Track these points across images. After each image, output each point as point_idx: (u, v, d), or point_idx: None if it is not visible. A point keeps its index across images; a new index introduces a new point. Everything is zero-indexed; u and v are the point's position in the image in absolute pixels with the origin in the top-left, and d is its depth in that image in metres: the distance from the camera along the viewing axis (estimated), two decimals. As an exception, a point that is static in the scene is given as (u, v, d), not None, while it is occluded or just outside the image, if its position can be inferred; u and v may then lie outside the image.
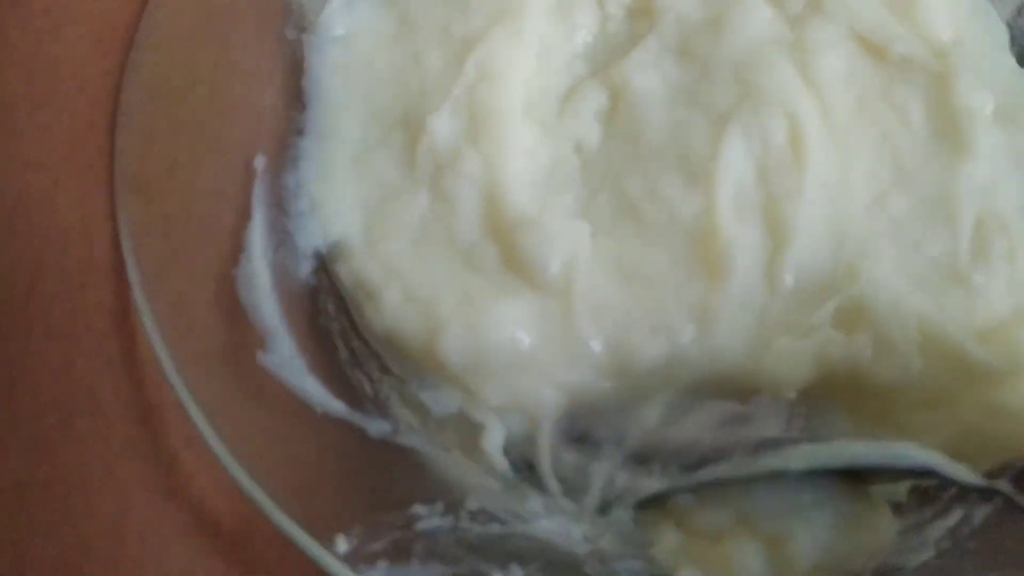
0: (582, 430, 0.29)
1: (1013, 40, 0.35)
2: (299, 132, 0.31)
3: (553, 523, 0.26)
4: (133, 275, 0.25)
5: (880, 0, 0.34)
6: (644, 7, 0.34)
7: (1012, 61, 0.35)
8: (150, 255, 0.25)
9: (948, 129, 0.31)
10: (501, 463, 0.27)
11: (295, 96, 0.31)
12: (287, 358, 0.26)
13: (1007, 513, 0.26)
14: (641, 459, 0.29)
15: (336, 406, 0.26)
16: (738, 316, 0.29)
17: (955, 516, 0.27)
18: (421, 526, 0.24)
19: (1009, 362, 0.27)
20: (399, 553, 0.23)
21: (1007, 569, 0.25)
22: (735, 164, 0.30)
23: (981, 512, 0.27)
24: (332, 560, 0.22)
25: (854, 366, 0.28)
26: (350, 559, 0.22)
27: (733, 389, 0.29)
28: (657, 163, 0.31)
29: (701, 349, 0.28)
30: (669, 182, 0.30)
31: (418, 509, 0.25)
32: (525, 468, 0.28)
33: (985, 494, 0.27)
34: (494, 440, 0.28)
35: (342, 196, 0.30)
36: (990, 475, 0.27)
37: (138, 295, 0.24)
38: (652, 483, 0.28)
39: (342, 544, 0.22)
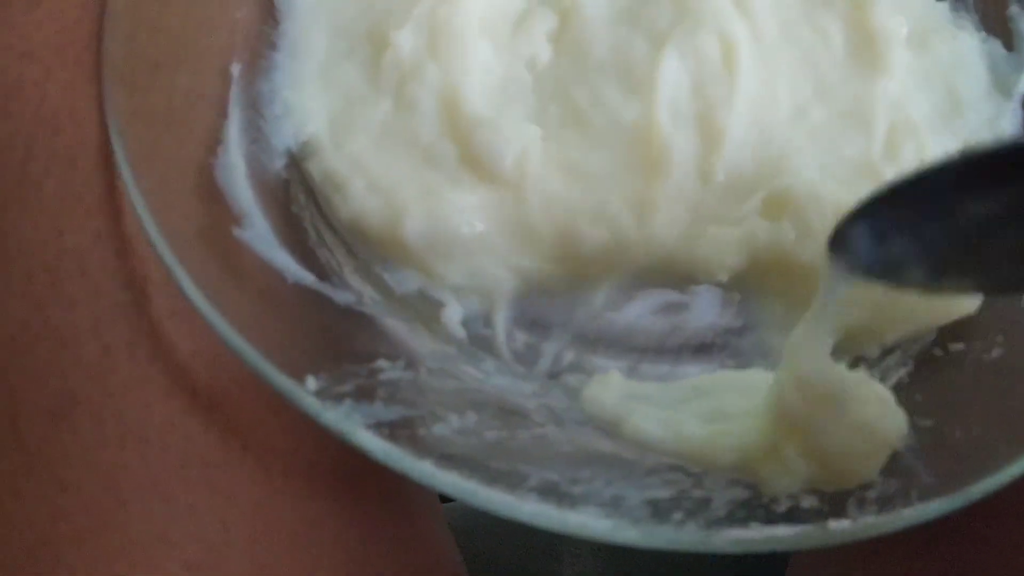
0: (534, 314, 0.32)
1: (929, -24, 0.39)
2: (272, 46, 0.33)
3: (505, 381, 0.29)
4: (120, 155, 0.27)
5: (806, -71, 0.37)
6: (592, -66, 0.37)
7: (927, -6, 0.38)
8: (135, 141, 0.27)
9: (865, 49, 0.34)
10: (459, 334, 0.30)
11: (268, 13, 0.34)
12: (261, 234, 0.29)
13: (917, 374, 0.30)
14: (587, 341, 0.32)
15: (305, 276, 0.28)
16: (674, 208, 0.31)
17: None
18: (384, 376, 0.27)
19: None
20: (362, 395, 0.25)
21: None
22: (672, 77, 0.33)
23: (894, 376, 0.30)
24: (303, 394, 0.24)
25: (779, 250, 0.31)
26: (319, 395, 0.25)
27: (671, 277, 0.32)
28: (602, 76, 0.34)
29: (640, 237, 0.31)
30: (612, 93, 0.33)
31: (381, 363, 0.27)
32: (480, 343, 0.30)
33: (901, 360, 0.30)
34: (453, 315, 0.30)
35: (312, 102, 0.32)
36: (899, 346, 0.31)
37: (125, 173, 0.27)
38: (596, 360, 0.31)
39: (311, 383, 0.25)
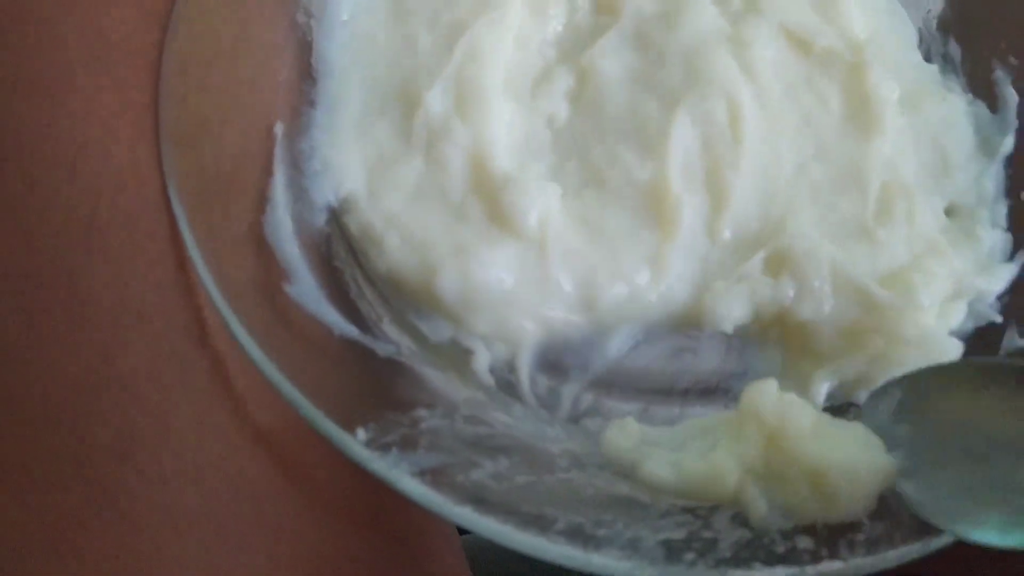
0: (554, 359, 0.34)
1: (921, 39, 0.42)
2: (311, 103, 0.36)
3: (531, 426, 0.32)
4: (179, 212, 0.29)
5: (807, 3, 0.40)
6: (607, 3, 0.39)
7: (918, 57, 0.41)
8: (191, 198, 0.30)
9: (861, 112, 0.37)
10: (488, 381, 0.33)
11: (306, 72, 0.36)
12: (308, 289, 0.31)
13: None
14: (604, 385, 0.34)
15: (350, 330, 0.31)
16: (684, 263, 0.34)
17: None
18: (424, 425, 0.29)
19: (906, 300, 0.33)
20: (406, 444, 0.28)
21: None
22: (683, 138, 0.36)
23: None
24: (355, 445, 0.27)
25: (780, 305, 0.34)
26: (368, 445, 0.27)
27: (681, 325, 0.35)
28: (617, 136, 0.36)
29: (654, 290, 0.34)
30: (627, 152, 0.36)
31: (420, 412, 0.30)
32: (507, 387, 0.33)
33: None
34: (482, 363, 0.33)
35: (348, 159, 0.35)
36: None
37: (184, 229, 0.29)
38: (612, 403, 0.34)
39: (361, 434, 0.27)
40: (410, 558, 0.32)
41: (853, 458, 0.29)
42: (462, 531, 0.32)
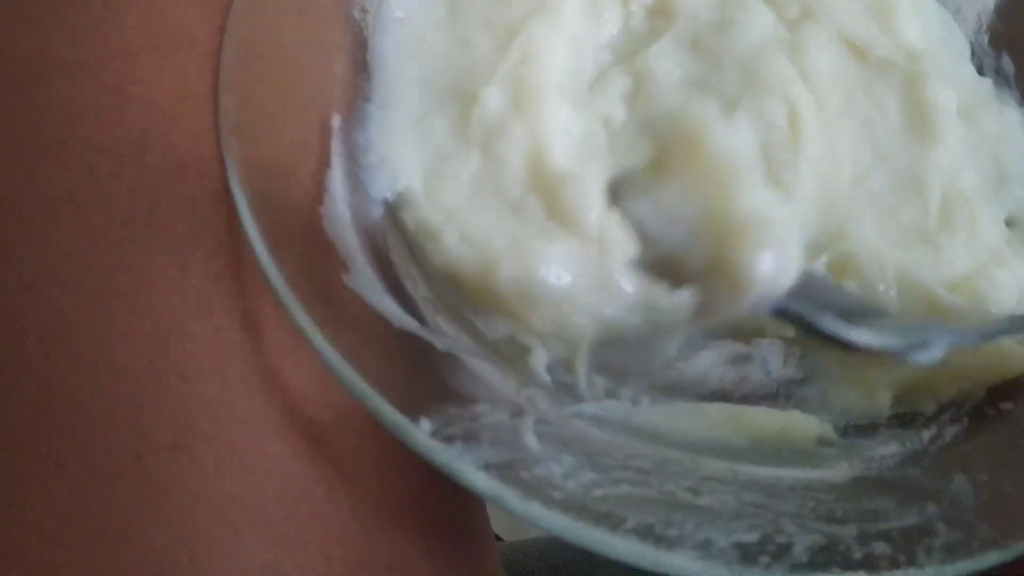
0: (612, 361, 0.33)
1: (973, 53, 0.41)
2: (366, 98, 0.35)
3: (591, 424, 0.31)
4: (239, 202, 0.29)
5: (863, 11, 0.40)
6: (662, 7, 0.39)
7: (972, 70, 0.41)
8: (251, 188, 0.29)
9: (919, 121, 0.37)
10: (545, 379, 0.32)
11: (361, 67, 0.36)
12: (367, 281, 0.30)
13: (971, 430, 0.32)
14: (662, 388, 0.33)
15: (409, 322, 0.30)
16: (745, 266, 0.34)
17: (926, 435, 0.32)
18: (485, 420, 0.28)
19: (970, 306, 0.32)
20: (469, 437, 0.27)
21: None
22: (742, 142, 0.35)
23: (950, 431, 0.32)
24: (419, 435, 0.26)
25: (842, 309, 0.33)
26: (432, 436, 0.26)
27: (740, 330, 0.34)
28: (674, 138, 0.36)
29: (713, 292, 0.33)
30: (685, 154, 0.35)
31: (482, 407, 0.29)
32: (564, 387, 0.32)
33: (955, 417, 0.32)
34: (539, 361, 0.32)
35: (405, 154, 0.34)
36: (954, 403, 0.33)
37: (245, 219, 0.28)
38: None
39: (425, 424, 0.26)
40: (459, 561, 0.31)
41: None
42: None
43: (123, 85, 0.30)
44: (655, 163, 0.27)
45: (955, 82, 0.39)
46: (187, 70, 0.31)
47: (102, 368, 0.28)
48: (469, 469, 0.26)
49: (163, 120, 0.30)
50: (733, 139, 0.31)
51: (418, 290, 0.32)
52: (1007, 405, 0.32)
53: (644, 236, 0.27)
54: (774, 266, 0.26)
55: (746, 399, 0.34)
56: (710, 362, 0.34)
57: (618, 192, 0.27)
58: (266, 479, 0.28)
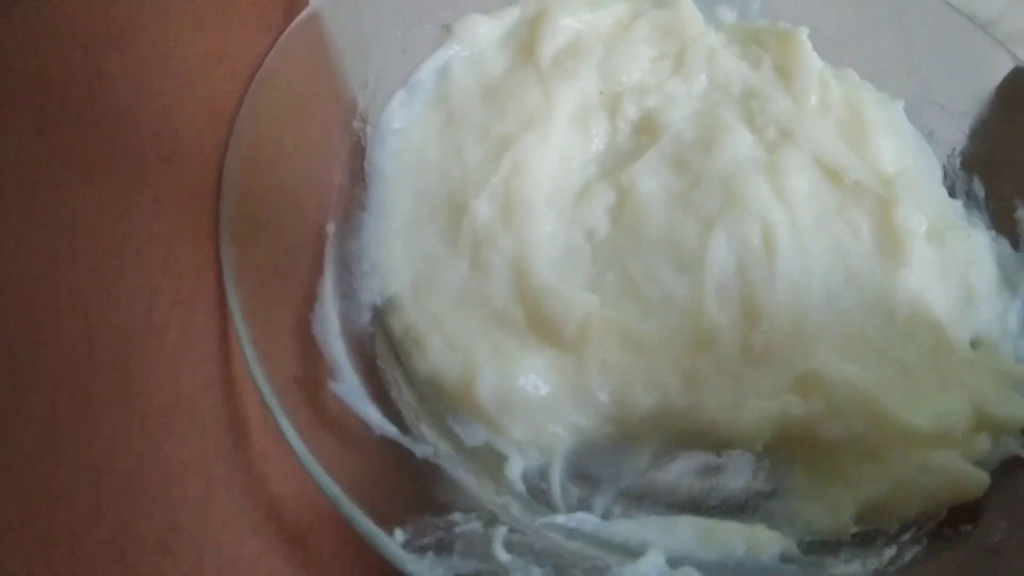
0: (585, 469, 0.35)
1: (945, 175, 0.43)
2: (362, 206, 0.37)
3: (561, 535, 0.32)
4: (234, 308, 0.30)
5: (838, 134, 0.42)
6: (648, 125, 0.41)
7: (943, 192, 0.43)
8: (246, 293, 0.31)
9: (890, 243, 0.39)
10: (520, 488, 0.33)
11: (359, 176, 0.38)
12: (352, 388, 0.32)
13: (931, 552, 0.33)
14: (633, 497, 0.34)
15: (390, 429, 0.31)
16: (718, 380, 0.35)
17: (887, 555, 0.33)
18: (458, 530, 0.29)
19: (933, 428, 0.34)
20: (442, 548, 0.28)
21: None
22: (719, 258, 0.37)
23: (910, 552, 0.33)
24: (392, 545, 0.27)
25: (809, 426, 0.34)
26: (405, 547, 0.27)
27: (711, 441, 0.35)
28: (655, 252, 0.37)
29: (686, 405, 0.34)
30: (665, 268, 0.37)
31: (456, 516, 0.30)
32: (538, 495, 0.33)
33: (915, 537, 0.33)
34: (515, 469, 0.33)
35: (396, 261, 0.36)
36: (915, 523, 0.34)
37: (238, 324, 0.30)
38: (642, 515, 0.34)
39: (399, 535, 0.28)
40: None
41: None
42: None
43: (132, 192, 0.31)
44: None
45: (926, 204, 0.40)
46: (192, 179, 0.33)
47: (93, 464, 0.29)
48: (439, 581, 0.27)
49: (166, 226, 0.31)
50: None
51: (402, 396, 0.33)
52: (966, 527, 0.33)
53: None
54: None
55: (715, 510, 0.35)
56: (681, 472, 0.35)
57: None
58: None
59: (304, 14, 0.38)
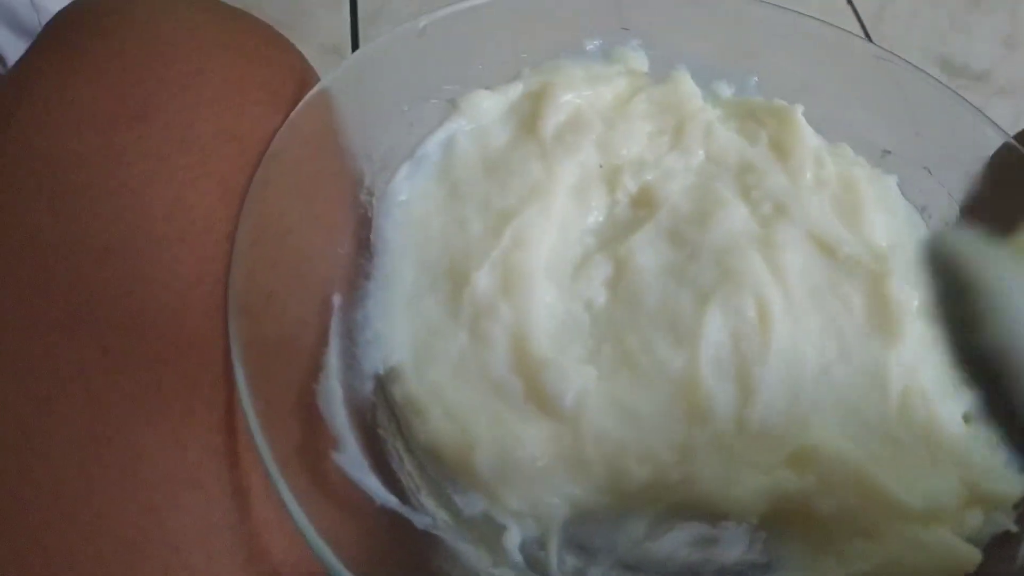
0: (581, 539, 0.35)
1: (937, 249, 0.44)
2: (367, 276, 0.38)
3: (559, 609, 0.32)
4: (240, 380, 0.31)
5: (833, 210, 0.43)
6: (645, 198, 0.43)
7: (935, 267, 0.43)
8: (252, 365, 0.32)
9: (882, 318, 0.39)
10: (517, 559, 0.33)
11: (364, 247, 0.39)
12: (354, 458, 0.32)
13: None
14: (629, 567, 0.35)
15: (391, 499, 0.32)
16: (712, 453, 0.36)
17: None
18: (456, 600, 0.30)
19: (925, 505, 0.34)
20: (440, 618, 0.29)
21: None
22: (714, 331, 0.38)
23: None
24: (390, 618, 0.28)
25: (803, 500, 0.35)
26: (403, 619, 0.28)
27: (706, 513, 0.36)
28: (651, 325, 0.38)
29: (681, 477, 0.35)
30: (661, 341, 0.38)
31: None
32: (536, 565, 0.34)
33: None
34: (513, 540, 0.34)
35: (398, 331, 0.37)
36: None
37: (243, 396, 0.31)
38: (637, 587, 0.34)
39: (397, 607, 0.28)
40: None
41: None
42: None
43: (144, 269, 0.33)
44: None
45: (917, 280, 0.41)
46: (204, 254, 0.34)
47: (97, 534, 0.29)
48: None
49: (177, 301, 0.33)
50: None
51: (402, 465, 0.34)
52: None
53: None
54: None
55: (710, 583, 0.35)
56: (677, 543, 0.35)
57: None
58: None
59: (314, 91, 0.39)
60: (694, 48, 0.47)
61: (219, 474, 0.31)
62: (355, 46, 1.09)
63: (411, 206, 0.41)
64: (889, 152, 0.47)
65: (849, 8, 1.18)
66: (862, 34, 1.14)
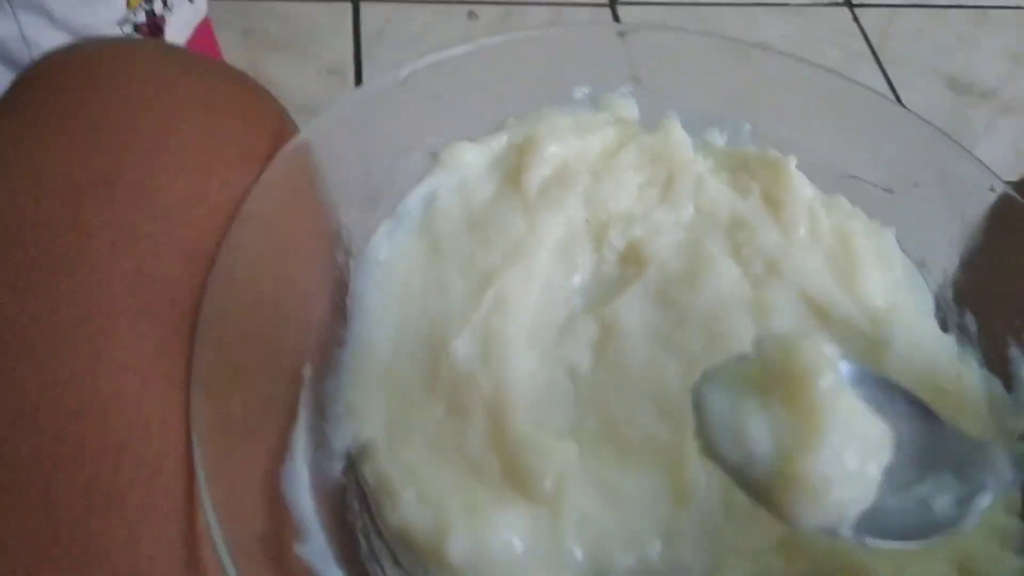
0: (560, 628, 0.34)
1: (937, 307, 0.43)
2: (340, 344, 0.37)
3: None
4: (198, 464, 0.30)
5: (827, 266, 0.41)
6: (633, 255, 0.41)
7: (935, 326, 0.42)
8: (213, 448, 0.30)
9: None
10: (493, 653, 0.32)
11: (340, 312, 0.37)
12: (318, 549, 0.31)
13: None
14: (608, 656, 0.34)
15: None
16: (698, 536, 0.34)
17: None
18: None
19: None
20: None
21: None
22: (701, 404, 0.36)
23: None
24: None
25: (792, 587, 0.33)
26: None
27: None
28: (637, 394, 0.37)
29: (665, 563, 0.34)
30: (647, 412, 0.36)
31: None
32: (510, 658, 0.32)
33: None
34: (488, 635, 0.32)
35: (371, 403, 0.36)
36: None
37: (202, 484, 0.29)
38: None
39: None
40: None
41: None
42: None
43: (102, 347, 0.31)
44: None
45: (916, 339, 0.40)
46: (168, 327, 0.32)
47: None
48: None
49: (136, 381, 0.31)
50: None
51: (371, 554, 0.33)
52: None
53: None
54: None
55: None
56: (659, 629, 0.34)
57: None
58: None
59: (289, 146, 0.38)
60: (686, 94, 0.46)
61: (173, 568, 0.29)
62: (358, 66, 1.08)
63: (391, 266, 0.39)
64: (887, 202, 0.45)
65: (855, 25, 1.16)
66: (868, 52, 1.12)
